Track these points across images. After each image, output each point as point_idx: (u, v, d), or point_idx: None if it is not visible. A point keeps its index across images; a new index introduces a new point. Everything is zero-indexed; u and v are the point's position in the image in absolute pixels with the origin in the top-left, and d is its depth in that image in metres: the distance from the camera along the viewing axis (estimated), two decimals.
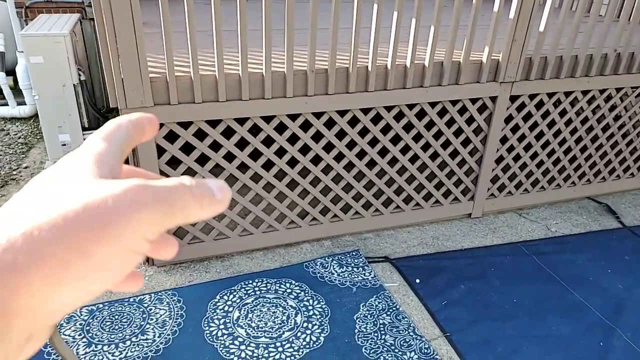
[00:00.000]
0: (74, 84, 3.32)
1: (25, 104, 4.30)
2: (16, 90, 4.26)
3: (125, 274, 0.28)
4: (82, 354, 2.01)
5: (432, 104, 2.71)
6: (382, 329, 2.25)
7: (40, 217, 0.25)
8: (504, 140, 3.01)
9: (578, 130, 3.19)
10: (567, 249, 2.93)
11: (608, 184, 3.51)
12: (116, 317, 2.22)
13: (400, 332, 2.24)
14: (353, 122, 2.59)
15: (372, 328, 2.25)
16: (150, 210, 0.27)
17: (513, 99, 2.89)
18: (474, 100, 2.80)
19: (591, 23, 2.80)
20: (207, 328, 2.18)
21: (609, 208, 3.38)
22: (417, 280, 2.57)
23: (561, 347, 2.23)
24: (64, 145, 3.49)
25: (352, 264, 2.65)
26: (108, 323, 2.18)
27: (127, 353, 2.04)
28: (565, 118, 3.10)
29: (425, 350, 2.15)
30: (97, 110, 3.62)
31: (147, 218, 0.27)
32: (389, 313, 2.34)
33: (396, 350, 2.14)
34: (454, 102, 2.76)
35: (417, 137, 2.78)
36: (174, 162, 2.36)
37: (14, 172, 3.53)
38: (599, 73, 3.03)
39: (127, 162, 0.34)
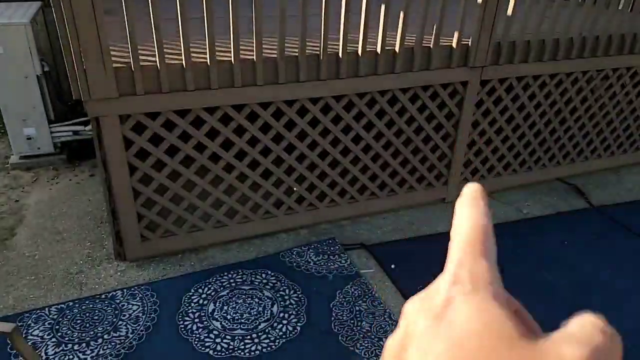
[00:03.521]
0: (37, 75, 3.20)
1: None
2: None
3: None
4: (52, 354, 1.96)
5: (404, 90, 2.71)
6: (358, 315, 2.26)
7: None
8: (475, 124, 3.03)
9: (547, 113, 3.24)
10: (538, 231, 2.99)
11: (576, 165, 3.59)
12: (87, 314, 2.17)
13: (377, 318, 2.25)
14: (326, 109, 2.57)
15: (348, 315, 2.25)
16: None
17: (483, 83, 2.91)
18: (445, 86, 2.81)
19: (557, 7, 2.83)
20: (181, 322, 2.15)
21: (577, 189, 3.46)
22: (392, 266, 2.58)
23: None
24: (29, 139, 3.37)
25: (328, 252, 2.65)
26: (79, 321, 2.13)
27: (99, 351, 2.00)
28: (534, 101, 3.14)
29: None
30: (64, 103, 3.51)
31: None
32: (365, 299, 2.35)
33: (372, 337, 2.15)
34: (425, 88, 2.76)
35: (390, 124, 2.78)
36: (142, 155, 2.30)
37: None
38: (566, 57, 3.07)
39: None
